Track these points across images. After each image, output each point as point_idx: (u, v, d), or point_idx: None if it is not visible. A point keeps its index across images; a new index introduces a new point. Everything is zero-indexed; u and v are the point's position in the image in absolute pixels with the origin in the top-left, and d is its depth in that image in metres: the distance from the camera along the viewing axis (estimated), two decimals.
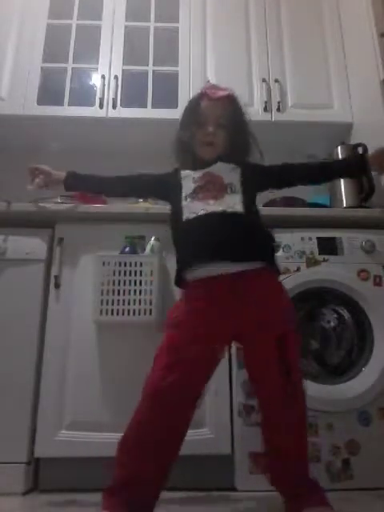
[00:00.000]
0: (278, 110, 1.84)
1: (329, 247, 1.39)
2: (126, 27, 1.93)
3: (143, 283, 1.29)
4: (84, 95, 1.87)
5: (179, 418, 0.94)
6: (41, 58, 1.86)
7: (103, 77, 1.84)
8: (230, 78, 1.87)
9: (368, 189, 1.59)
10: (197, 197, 1.05)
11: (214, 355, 0.98)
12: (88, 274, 1.34)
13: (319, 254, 1.39)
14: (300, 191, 1.74)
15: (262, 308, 0.97)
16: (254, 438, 1.21)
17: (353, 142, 1.77)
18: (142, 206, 1.52)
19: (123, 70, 1.87)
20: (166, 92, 1.86)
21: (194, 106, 1.16)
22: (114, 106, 1.81)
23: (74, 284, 1.36)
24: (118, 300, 1.28)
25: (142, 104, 1.84)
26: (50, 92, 1.86)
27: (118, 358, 1.30)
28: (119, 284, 1.29)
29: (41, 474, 1.25)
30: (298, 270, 1.36)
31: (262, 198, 1.68)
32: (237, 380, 1.27)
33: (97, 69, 1.88)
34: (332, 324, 1.39)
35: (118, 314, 1.27)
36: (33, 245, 1.37)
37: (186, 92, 1.84)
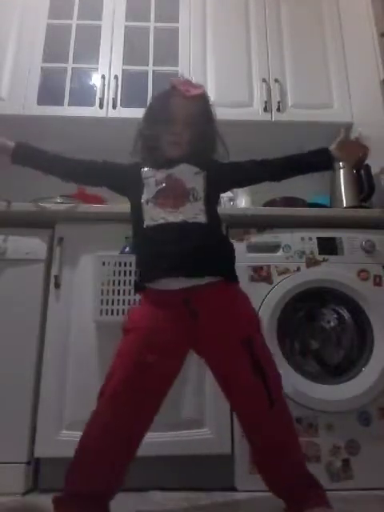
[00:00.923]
0: (278, 110, 1.84)
1: (329, 247, 1.39)
2: (125, 27, 1.94)
3: None
4: (84, 95, 1.87)
5: (138, 420, 0.92)
6: (41, 58, 1.86)
7: (103, 77, 1.85)
8: (229, 77, 1.88)
9: (368, 189, 1.59)
10: (157, 202, 1.01)
11: (169, 363, 0.95)
12: (88, 274, 1.34)
13: (319, 253, 1.39)
14: (300, 191, 1.76)
15: (218, 319, 0.95)
16: None
17: None
18: None
19: (123, 70, 1.88)
20: None
21: (163, 101, 1.11)
22: (114, 106, 1.81)
23: (74, 284, 1.36)
24: (118, 300, 1.28)
25: (142, 104, 1.83)
26: (49, 92, 1.86)
27: None
28: (119, 284, 1.29)
29: (41, 474, 1.25)
30: (298, 269, 1.36)
31: (262, 197, 1.69)
32: None
33: (97, 69, 1.88)
34: (332, 324, 1.39)
35: (117, 313, 1.27)
36: (33, 245, 1.37)
37: None
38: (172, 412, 1.26)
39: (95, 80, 1.90)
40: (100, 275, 1.30)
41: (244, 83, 1.88)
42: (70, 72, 1.87)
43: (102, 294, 1.28)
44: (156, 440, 1.22)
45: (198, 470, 1.24)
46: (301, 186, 1.91)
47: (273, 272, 1.36)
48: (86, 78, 1.95)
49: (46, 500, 1.14)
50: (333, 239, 1.40)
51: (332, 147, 1.16)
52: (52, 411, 1.25)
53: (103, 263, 1.30)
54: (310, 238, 1.40)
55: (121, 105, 1.82)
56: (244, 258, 1.37)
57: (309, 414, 1.24)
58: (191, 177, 1.05)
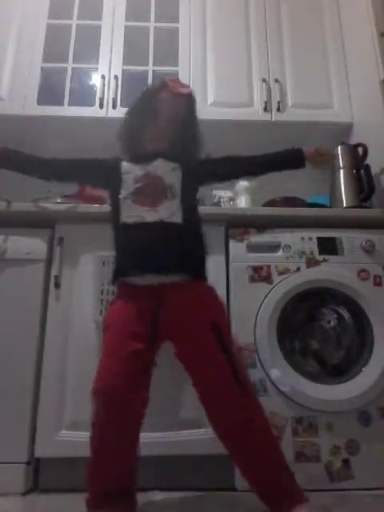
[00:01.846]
0: (278, 109, 1.84)
1: (329, 247, 1.39)
2: (125, 27, 1.94)
3: None
4: (84, 95, 1.87)
5: (130, 415, 0.93)
6: (41, 58, 1.86)
7: (103, 77, 1.85)
8: (229, 77, 1.88)
9: (368, 189, 1.59)
10: (136, 200, 1.04)
11: (146, 350, 0.98)
12: (88, 274, 1.34)
13: (319, 253, 1.39)
14: (300, 191, 1.76)
15: (186, 308, 0.99)
16: None
17: (353, 142, 1.77)
18: None
19: (123, 70, 1.88)
20: None
21: (151, 96, 1.15)
22: (114, 106, 1.81)
23: (74, 284, 1.36)
24: None
25: None
26: (50, 92, 1.86)
27: None
28: None
29: (41, 474, 1.25)
30: (298, 269, 1.36)
31: (262, 197, 1.69)
32: None
33: (97, 69, 1.88)
34: (332, 324, 1.39)
35: None
36: (33, 245, 1.37)
37: None
38: (172, 412, 1.26)
39: (95, 80, 1.90)
40: (100, 275, 1.30)
41: (244, 83, 1.88)
42: (69, 72, 1.87)
43: (102, 294, 1.28)
44: (156, 440, 1.22)
45: (197, 470, 1.24)
46: (301, 186, 1.92)
47: (273, 272, 1.36)
48: (86, 77, 1.95)
49: (45, 500, 1.14)
50: (333, 239, 1.40)
51: (306, 150, 1.22)
52: (52, 411, 1.25)
53: (103, 263, 1.30)
54: (310, 238, 1.40)
55: (121, 105, 1.81)
56: (244, 257, 1.38)
57: (309, 413, 1.24)
58: (169, 173, 1.07)
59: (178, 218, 1.03)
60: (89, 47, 1.90)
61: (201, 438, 1.24)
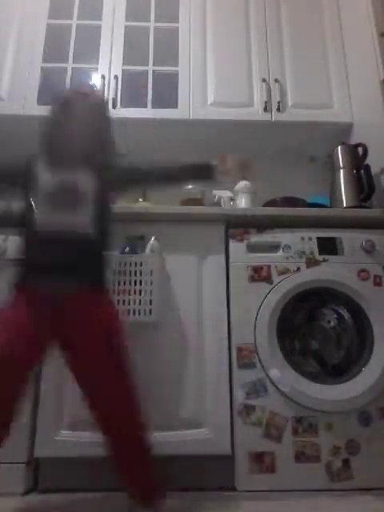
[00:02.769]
0: (278, 109, 1.84)
1: (329, 247, 1.39)
2: (125, 27, 1.94)
3: (143, 283, 1.29)
4: None
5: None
6: (41, 58, 1.87)
7: (103, 77, 1.85)
8: (229, 77, 1.88)
9: (368, 189, 1.59)
10: (48, 206, 1.03)
11: (33, 351, 0.99)
12: None
13: (319, 253, 1.39)
14: (300, 191, 1.76)
15: (81, 315, 0.99)
16: (254, 438, 1.22)
17: (353, 142, 1.77)
18: (141, 205, 1.52)
19: (123, 70, 1.88)
20: (166, 92, 1.87)
21: (63, 101, 1.16)
22: (114, 106, 1.81)
23: None
24: (118, 300, 1.27)
25: (142, 104, 1.85)
26: (50, 92, 1.86)
27: None
28: (119, 284, 1.29)
29: (41, 474, 1.25)
30: (298, 269, 1.36)
31: (262, 197, 1.69)
32: (237, 380, 1.27)
33: (97, 69, 1.88)
34: (332, 324, 1.39)
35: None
36: None
37: (186, 92, 1.84)
38: (171, 412, 1.26)
39: (95, 80, 1.90)
40: None
41: (244, 83, 1.88)
42: (70, 72, 1.87)
43: None
44: (156, 440, 1.22)
45: (198, 470, 1.24)
46: (301, 186, 1.92)
47: (273, 272, 1.36)
48: (86, 78, 1.94)
49: (45, 500, 1.14)
50: (333, 239, 1.40)
51: (216, 165, 1.21)
52: (52, 411, 1.25)
53: None
54: (310, 238, 1.40)
55: (121, 105, 1.82)
56: (244, 258, 1.38)
57: (309, 413, 1.24)
58: (84, 179, 1.06)
59: (87, 228, 1.02)
60: (89, 47, 1.90)
61: (201, 438, 1.24)
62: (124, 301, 1.27)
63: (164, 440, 1.22)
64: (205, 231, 1.42)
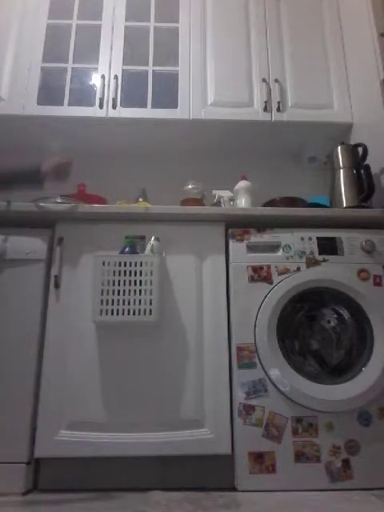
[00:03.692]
0: (278, 109, 1.84)
1: (329, 247, 1.40)
2: (126, 27, 1.94)
3: (143, 283, 1.29)
4: (84, 95, 1.87)
5: None
6: (41, 58, 1.87)
7: (103, 77, 1.85)
8: (229, 78, 1.88)
9: (368, 189, 1.59)
10: None
11: None
12: (88, 274, 1.34)
13: (319, 254, 1.39)
14: (300, 191, 1.76)
15: None
16: (254, 438, 1.22)
17: (353, 142, 1.77)
18: (142, 205, 1.52)
19: (123, 70, 1.88)
20: (166, 92, 1.87)
21: None
22: (114, 106, 1.81)
23: (73, 284, 1.36)
24: (118, 300, 1.28)
25: (142, 104, 1.85)
26: (49, 92, 1.86)
27: (118, 358, 1.30)
28: (119, 284, 1.29)
29: (41, 474, 1.25)
30: (298, 269, 1.36)
31: (262, 197, 1.69)
32: (237, 380, 1.27)
33: (97, 69, 1.88)
34: (332, 324, 1.39)
35: (117, 313, 1.27)
36: (33, 245, 1.37)
37: (186, 92, 1.84)
38: (171, 412, 1.26)
39: (95, 80, 1.90)
40: (100, 275, 1.30)
41: (244, 83, 1.88)
42: (70, 72, 1.88)
43: (102, 293, 1.28)
44: (156, 440, 1.22)
45: (197, 470, 1.24)
46: (301, 186, 1.92)
47: (273, 272, 1.36)
48: (86, 77, 1.94)
49: (45, 500, 1.14)
50: (333, 239, 1.40)
51: (44, 169, 1.28)
52: (52, 411, 1.25)
53: (103, 263, 1.30)
54: (310, 238, 1.40)
55: (121, 105, 1.82)
56: (244, 258, 1.38)
57: (309, 413, 1.24)
58: None
59: None
60: (89, 47, 1.90)
61: (201, 438, 1.24)
62: (124, 301, 1.28)
63: (164, 440, 1.22)
64: (205, 231, 1.42)
